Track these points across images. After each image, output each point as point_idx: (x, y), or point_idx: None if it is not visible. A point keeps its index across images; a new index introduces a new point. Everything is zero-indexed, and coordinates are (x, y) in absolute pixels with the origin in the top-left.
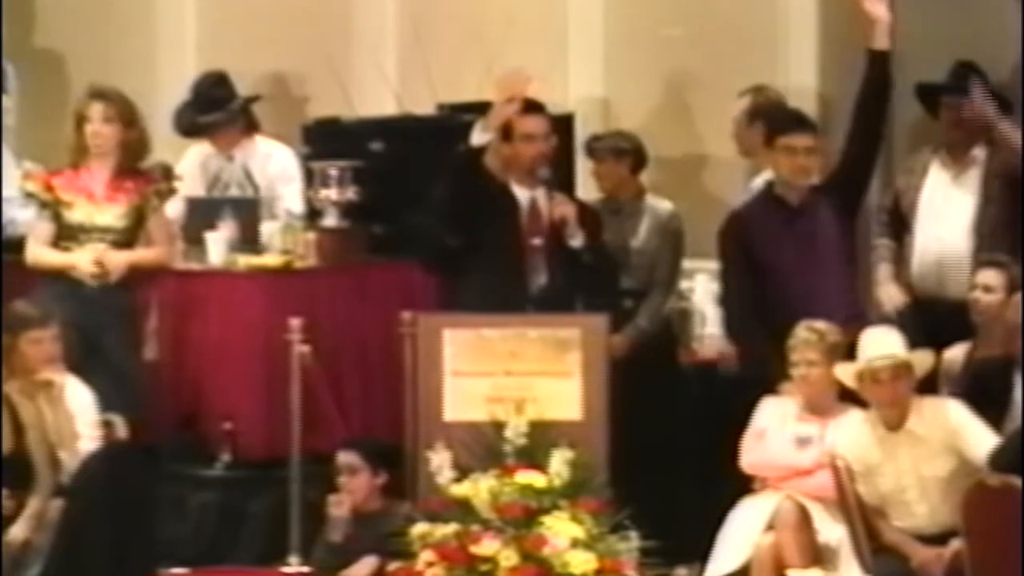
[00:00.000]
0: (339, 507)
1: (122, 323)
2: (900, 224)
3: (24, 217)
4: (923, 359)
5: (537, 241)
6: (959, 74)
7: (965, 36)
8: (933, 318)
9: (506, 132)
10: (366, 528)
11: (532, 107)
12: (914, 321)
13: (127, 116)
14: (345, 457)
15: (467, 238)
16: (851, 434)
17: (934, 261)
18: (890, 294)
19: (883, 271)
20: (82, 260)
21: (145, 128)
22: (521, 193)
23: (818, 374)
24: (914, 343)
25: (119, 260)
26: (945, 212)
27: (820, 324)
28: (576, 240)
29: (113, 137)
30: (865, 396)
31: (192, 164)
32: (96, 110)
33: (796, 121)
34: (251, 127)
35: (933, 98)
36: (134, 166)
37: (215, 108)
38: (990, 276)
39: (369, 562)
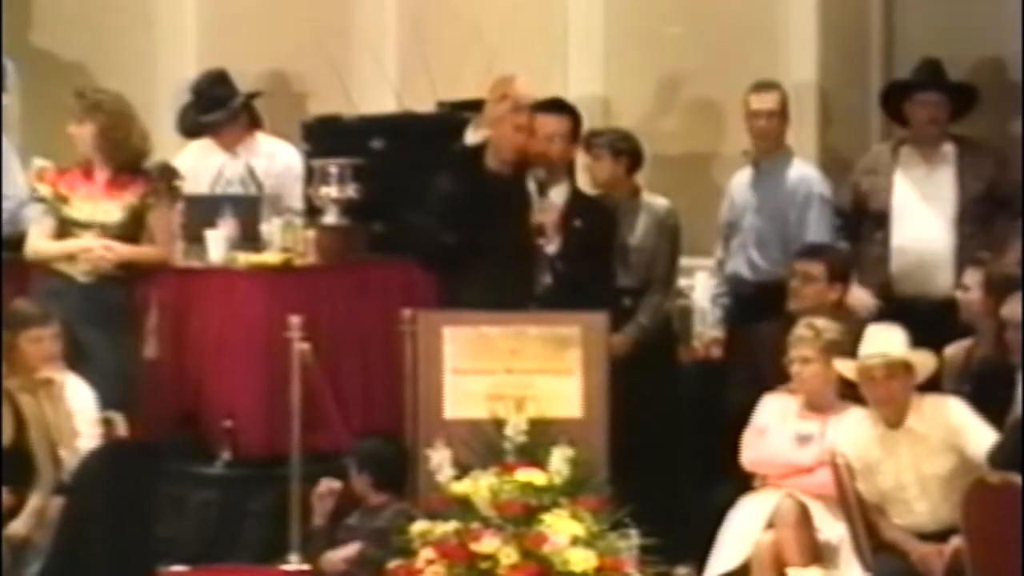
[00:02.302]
0: (321, 500)
1: (116, 319)
2: (859, 225)
3: (24, 215)
4: (925, 361)
5: (544, 241)
6: (927, 70)
7: (963, 36)
8: (914, 318)
9: (529, 131)
10: (363, 522)
11: (551, 106)
12: (892, 322)
13: (96, 116)
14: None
15: (468, 236)
16: (851, 431)
17: (915, 261)
18: (859, 298)
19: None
20: (87, 244)
21: (132, 128)
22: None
23: (812, 371)
24: None
25: (117, 248)
26: (921, 210)
27: (819, 321)
28: (552, 246)
29: (88, 137)
30: (863, 393)
31: (193, 160)
32: (73, 110)
33: (809, 250)
34: (253, 124)
35: (898, 100)
36: (135, 165)
37: (217, 107)
38: (967, 275)
39: (352, 548)
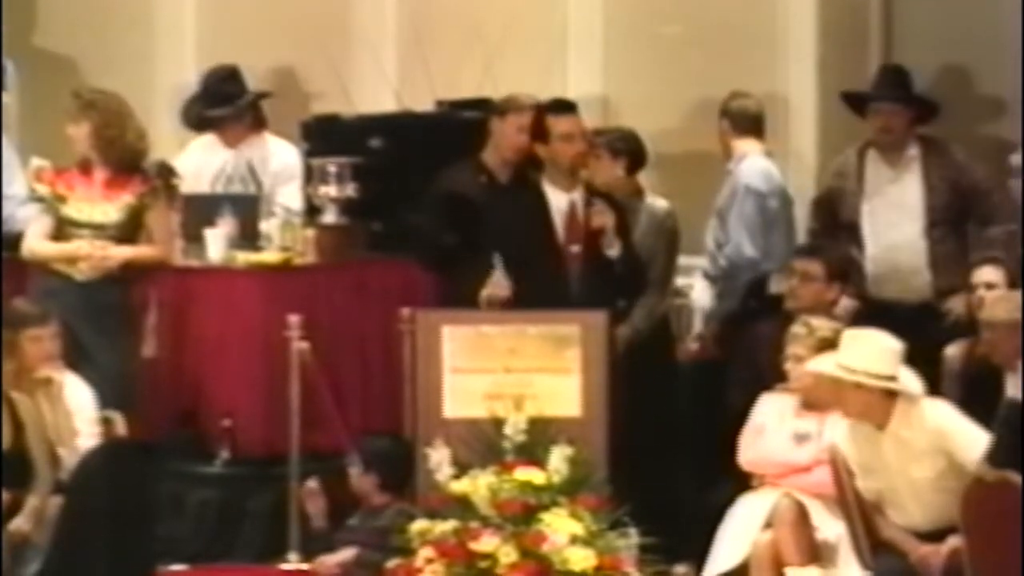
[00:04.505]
0: (313, 501)
1: (115, 319)
2: (832, 233)
3: (23, 214)
4: (914, 387)
5: (576, 248)
6: (885, 79)
7: (961, 36)
8: (892, 322)
9: (540, 133)
10: (365, 522)
11: (566, 107)
12: (871, 326)
13: (91, 115)
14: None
15: (468, 237)
16: (846, 430)
17: (890, 267)
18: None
19: None
20: (81, 249)
21: (127, 126)
22: (555, 197)
23: (804, 369)
24: None
25: (114, 253)
26: (891, 217)
27: (815, 319)
28: (613, 250)
29: (84, 136)
30: None
31: (197, 157)
32: (70, 110)
33: (807, 249)
34: (258, 123)
35: (861, 103)
36: (132, 164)
37: (224, 103)
38: (991, 273)
39: (347, 552)
